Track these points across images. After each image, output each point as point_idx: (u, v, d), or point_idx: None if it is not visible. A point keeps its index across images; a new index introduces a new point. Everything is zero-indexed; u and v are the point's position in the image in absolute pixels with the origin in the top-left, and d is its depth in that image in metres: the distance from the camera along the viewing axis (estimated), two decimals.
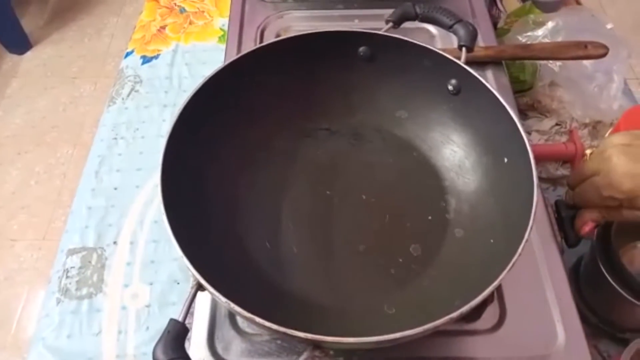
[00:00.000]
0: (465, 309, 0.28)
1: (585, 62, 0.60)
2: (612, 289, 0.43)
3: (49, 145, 1.48)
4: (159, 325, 0.50)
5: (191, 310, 0.41)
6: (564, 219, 0.47)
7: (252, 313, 0.28)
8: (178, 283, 0.54)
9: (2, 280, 1.24)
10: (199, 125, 0.39)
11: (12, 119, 1.55)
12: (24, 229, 1.32)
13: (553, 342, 0.39)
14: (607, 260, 0.44)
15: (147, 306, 0.52)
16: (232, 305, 0.28)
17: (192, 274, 0.30)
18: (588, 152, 0.58)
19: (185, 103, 0.38)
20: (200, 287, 0.30)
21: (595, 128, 0.63)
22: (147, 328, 0.51)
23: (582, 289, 0.49)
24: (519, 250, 0.30)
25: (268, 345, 0.38)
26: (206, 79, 0.39)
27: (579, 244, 0.47)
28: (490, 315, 0.41)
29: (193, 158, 0.39)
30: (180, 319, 0.29)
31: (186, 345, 0.29)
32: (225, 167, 0.42)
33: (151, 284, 0.54)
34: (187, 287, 0.47)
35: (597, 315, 0.48)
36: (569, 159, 0.60)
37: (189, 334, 0.38)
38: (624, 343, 0.42)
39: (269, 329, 0.27)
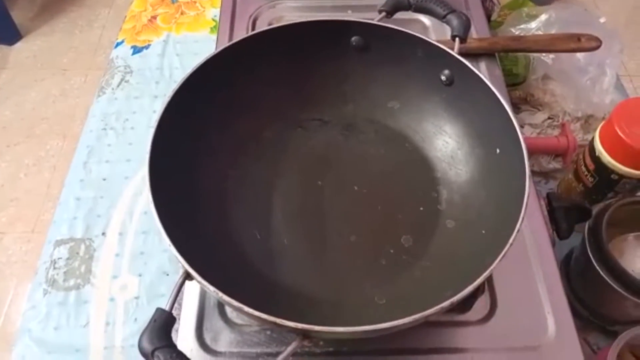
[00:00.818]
0: (456, 298, 0.28)
1: (578, 55, 0.60)
2: (603, 281, 0.43)
3: (38, 138, 1.46)
4: (148, 316, 0.49)
5: (179, 301, 0.41)
6: (556, 211, 0.47)
7: (241, 303, 0.28)
8: (167, 275, 0.53)
9: None
10: (187, 115, 0.38)
11: (2, 111, 1.53)
12: (13, 221, 1.31)
13: (543, 333, 0.39)
14: (597, 253, 0.44)
15: (136, 298, 0.52)
16: (221, 294, 0.27)
17: (180, 263, 0.29)
18: None
19: (173, 92, 0.37)
20: (188, 277, 0.30)
21: (587, 122, 0.63)
22: (136, 320, 0.50)
23: (572, 282, 0.50)
24: (511, 240, 0.30)
25: (257, 336, 0.38)
26: (195, 68, 0.39)
27: (570, 237, 0.48)
28: (481, 307, 0.41)
29: (182, 148, 0.38)
30: (167, 308, 0.29)
31: (174, 336, 0.29)
32: (215, 157, 0.42)
33: (140, 275, 0.53)
34: (176, 279, 0.47)
35: (587, 307, 0.48)
36: (561, 153, 0.60)
37: (177, 325, 0.38)
38: (614, 335, 0.42)
39: (258, 318, 0.27)
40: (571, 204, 0.48)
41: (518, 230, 0.31)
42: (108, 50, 0.75)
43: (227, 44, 0.40)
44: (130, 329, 0.50)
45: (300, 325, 0.27)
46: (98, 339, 0.50)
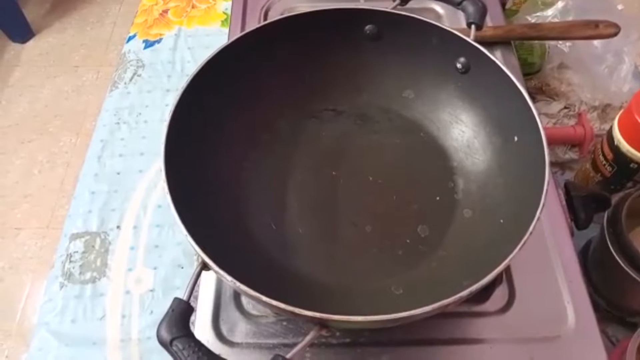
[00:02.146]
0: (475, 287, 0.28)
1: (596, 42, 0.59)
2: (622, 271, 0.42)
3: (51, 134, 1.48)
4: (163, 309, 0.48)
5: (196, 292, 0.41)
6: (574, 200, 0.46)
7: (259, 292, 0.27)
8: (182, 267, 0.53)
9: (7, 268, 1.24)
10: (201, 107, 0.38)
11: (15, 108, 1.55)
12: (27, 217, 1.32)
13: (563, 323, 0.39)
14: (617, 243, 0.43)
15: (151, 290, 0.52)
16: (238, 284, 0.27)
17: (196, 254, 0.29)
18: None
19: (186, 84, 0.37)
20: (204, 267, 0.30)
21: (605, 111, 0.62)
22: (151, 312, 0.50)
23: (590, 273, 0.49)
24: (530, 228, 0.30)
25: (273, 327, 0.38)
26: (208, 59, 0.38)
27: (589, 227, 0.47)
28: (499, 297, 0.40)
29: (196, 139, 0.38)
30: (184, 298, 0.29)
31: (190, 327, 0.29)
32: (229, 148, 0.42)
33: (155, 268, 0.53)
34: (191, 271, 0.47)
35: (606, 299, 0.48)
36: (578, 143, 0.59)
37: (193, 317, 0.38)
38: (633, 327, 0.42)
39: (276, 307, 0.27)
40: (589, 194, 0.47)
41: (538, 219, 0.30)
42: (119, 47, 0.76)
43: (239, 35, 0.40)
44: (146, 322, 0.50)
45: (318, 315, 0.26)
46: (115, 331, 0.50)
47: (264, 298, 0.27)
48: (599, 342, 0.38)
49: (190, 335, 0.27)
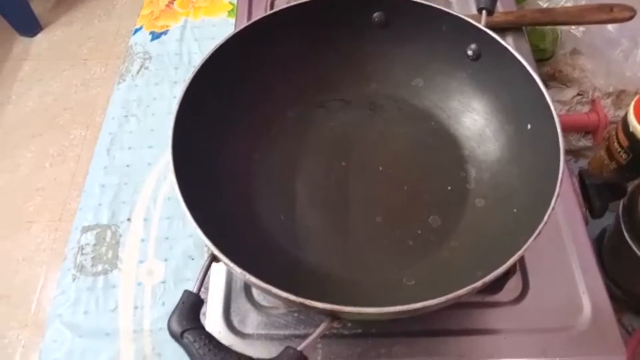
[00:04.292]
0: (488, 278, 0.27)
1: (610, 27, 0.58)
2: (638, 259, 0.41)
3: (62, 128, 1.49)
4: (175, 300, 0.48)
5: (206, 284, 0.41)
6: (589, 189, 0.45)
7: (269, 284, 0.27)
8: (193, 259, 0.53)
9: (21, 261, 1.26)
10: (207, 98, 0.38)
11: (25, 102, 1.56)
12: (40, 211, 1.34)
13: (578, 314, 0.38)
14: (633, 231, 0.42)
15: (163, 282, 0.52)
16: (248, 275, 0.27)
17: (206, 246, 0.29)
18: None
19: (193, 74, 0.37)
20: (214, 259, 0.30)
21: (619, 97, 0.61)
22: (163, 304, 0.51)
23: (605, 262, 0.48)
24: (545, 218, 0.29)
25: (284, 318, 0.38)
26: (214, 50, 0.38)
27: (604, 215, 0.46)
28: (512, 287, 0.40)
29: (203, 131, 0.38)
30: (194, 290, 0.29)
31: (201, 319, 0.29)
32: (237, 140, 0.41)
33: (166, 260, 0.54)
34: (201, 263, 0.47)
35: (621, 288, 0.47)
36: (592, 130, 0.58)
37: (204, 308, 0.38)
38: None
39: (287, 299, 0.27)
40: (605, 182, 0.47)
41: (553, 208, 0.29)
42: (127, 39, 0.75)
43: (244, 25, 0.39)
44: (158, 313, 0.50)
45: (329, 306, 0.26)
46: (127, 322, 0.50)
47: (274, 290, 0.27)
48: (616, 332, 0.37)
49: (200, 328, 0.27)
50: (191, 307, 0.28)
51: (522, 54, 0.47)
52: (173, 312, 0.28)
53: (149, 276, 0.53)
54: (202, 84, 0.37)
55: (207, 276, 0.31)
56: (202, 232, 0.29)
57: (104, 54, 1.65)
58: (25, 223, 1.31)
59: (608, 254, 0.48)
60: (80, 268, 0.54)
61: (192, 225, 0.30)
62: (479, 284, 0.27)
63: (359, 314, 0.27)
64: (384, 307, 0.26)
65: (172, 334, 0.27)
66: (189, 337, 0.26)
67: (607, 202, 0.46)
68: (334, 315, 0.27)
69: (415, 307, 0.26)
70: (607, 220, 0.46)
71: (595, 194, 0.45)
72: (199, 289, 0.29)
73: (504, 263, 0.29)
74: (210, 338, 0.26)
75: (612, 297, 0.46)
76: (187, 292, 0.29)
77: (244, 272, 0.27)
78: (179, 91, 0.63)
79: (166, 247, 0.54)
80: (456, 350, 0.37)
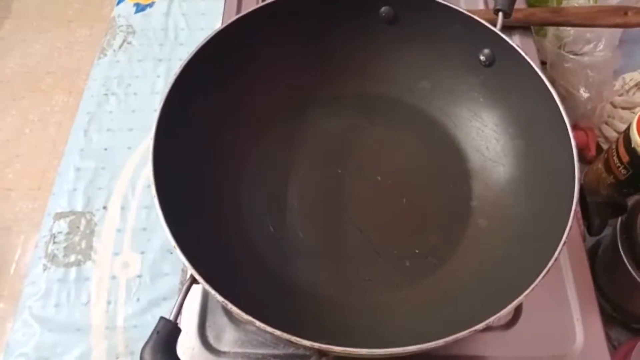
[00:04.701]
0: (491, 319, 0.25)
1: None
2: (632, 279, 0.40)
3: (43, 92, 1.43)
4: (151, 296, 0.48)
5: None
6: (589, 206, 0.43)
7: (252, 313, 0.25)
8: (171, 253, 0.51)
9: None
10: (194, 97, 0.34)
11: (6, 63, 1.49)
12: (19, 178, 1.29)
13: (571, 342, 0.37)
14: (629, 250, 0.41)
15: (139, 276, 0.50)
16: (231, 306, 0.25)
17: (186, 269, 0.26)
18: None
19: (181, 68, 0.33)
20: (194, 281, 0.27)
21: None
22: (138, 299, 0.49)
23: (597, 276, 0.47)
24: (556, 253, 0.27)
25: (263, 336, 0.36)
26: (202, 44, 0.35)
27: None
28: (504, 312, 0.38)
29: (189, 133, 0.35)
30: (171, 318, 0.26)
31: (177, 350, 0.26)
32: (225, 141, 0.38)
33: (142, 252, 0.51)
34: (180, 257, 0.45)
35: (612, 303, 0.46)
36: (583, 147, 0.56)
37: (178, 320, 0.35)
38: (636, 332, 0.42)
39: (271, 334, 0.24)
40: (606, 200, 0.45)
41: (564, 243, 0.27)
42: (114, 2, 0.70)
43: (238, 15, 0.35)
44: (132, 309, 0.48)
45: (316, 345, 0.24)
46: (99, 318, 0.48)
47: (258, 323, 0.24)
48: None
49: None
50: (167, 337, 0.25)
51: (529, 56, 0.45)
52: (147, 343, 0.25)
53: (124, 269, 0.51)
54: (188, 81, 0.33)
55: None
56: (182, 254, 0.26)
57: (89, 16, 1.57)
58: (3, 190, 1.27)
59: (601, 268, 0.47)
60: (52, 258, 0.51)
61: (172, 244, 0.27)
62: (481, 325, 0.25)
63: (350, 354, 0.24)
64: (376, 349, 0.24)
65: None
66: None
67: (606, 220, 0.44)
68: (322, 353, 0.25)
69: (411, 349, 0.24)
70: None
71: (595, 212, 0.43)
72: (177, 316, 0.26)
73: (506, 299, 0.26)
74: None
75: (601, 310, 0.46)
76: (163, 320, 0.26)
77: (227, 302, 0.25)
78: (163, 70, 0.62)
79: (143, 238, 0.52)
80: None
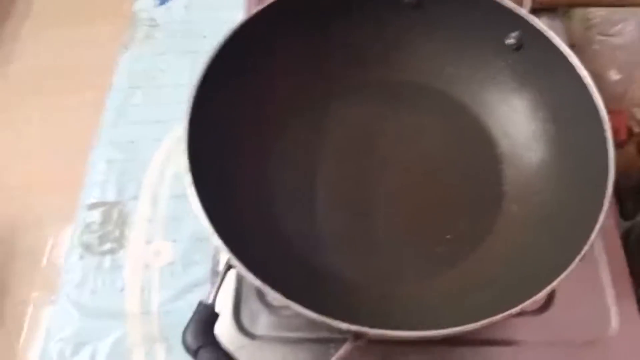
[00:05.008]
0: (527, 303, 0.25)
1: None
2: None
3: (66, 89, 1.45)
4: (183, 283, 0.50)
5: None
6: (622, 190, 0.43)
7: (290, 297, 0.25)
8: (201, 241, 0.52)
9: (30, 223, 1.26)
10: (220, 93, 0.35)
11: (28, 61, 1.52)
12: (44, 172, 1.33)
13: (605, 327, 0.37)
14: None
15: (171, 264, 0.51)
16: (269, 289, 0.25)
17: (226, 257, 0.27)
18: None
19: (206, 66, 0.34)
20: (231, 266, 0.28)
21: None
22: (171, 286, 0.50)
23: (630, 261, 0.46)
24: (591, 239, 0.27)
25: (297, 320, 0.36)
26: (226, 37, 0.35)
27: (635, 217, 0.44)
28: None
29: (218, 132, 0.35)
30: (209, 301, 0.27)
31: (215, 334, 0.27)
32: (252, 138, 0.38)
33: (174, 241, 0.52)
34: (210, 246, 0.46)
35: None
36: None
37: None
38: None
39: (308, 317, 0.25)
40: (638, 183, 0.44)
41: (600, 226, 0.27)
42: None
43: (259, 8, 0.36)
44: (166, 295, 0.49)
45: (353, 327, 0.25)
46: (134, 304, 0.50)
47: (296, 306, 0.25)
48: None
49: (216, 344, 0.26)
50: (206, 320, 0.26)
51: (558, 37, 0.44)
52: (187, 325, 0.26)
53: (156, 257, 0.52)
54: (216, 73, 0.34)
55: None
56: (223, 243, 0.27)
57: (110, 13, 1.57)
58: (29, 185, 1.30)
59: (634, 252, 0.46)
60: (87, 247, 0.53)
61: (212, 235, 0.28)
62: (515, 310, 0.25)
63: (384, 335, 0.25)
64: (411, 332, 0.25)
65: (187, 349, 0.26)
66: (204, 354, 0.25)
67: (639, 204, 0.44)
68: (358, 335, 0.25)
69: (443, 333, 0.25)
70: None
71: (628, 196, 0.43)
72: (214, 300, 0.27)
73: (540, 284, 0.27)
74: (227, 357, 0.25)
75: (636, 295, 0.45)
76: (202, 305, 0.27)
77: (266, 286, 0.26)
78: (187, 62, 0.62)
79: (174, 227, 0.53)
80: None
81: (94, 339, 0.48)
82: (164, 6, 0.68)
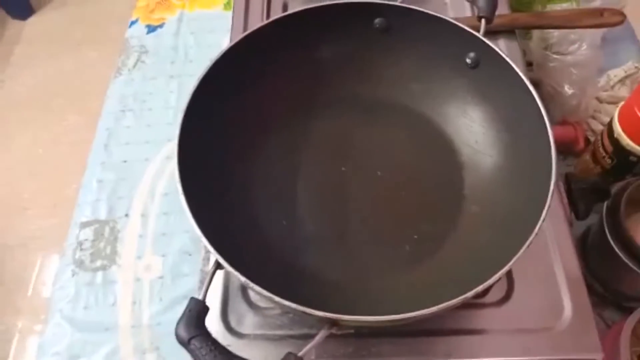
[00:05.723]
0: (480, 288, 0.29)
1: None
2: (619, 259, 0.43)
3: (55, 113, 1.47)
4: (172, 296, 0.52)
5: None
6: (574, 192, 0.47)
7: (270, 291, 0.28)
8: (190, 255, 0.55)
9: (16, 247, 1.26)
10: (209, 108, 0.38)
11: (18, 87, 1.54)
12: (34, 196, 1.33)
13: (559, 315, 0.40)
14: (614, 232, 0.44)
15: (160, 277, 0.53)
16: (252, 284, 0.28)
17: (211, 255, 0.30)
18: None
19: (195, 87, 0.37)
20: (219, 266, 0.31)
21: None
22: (161, 299, 0.52)
23: (589, 259, 0.50)
24: (536, 229, 0.30)
25: (280, 319, 0.39)
26: (214, 61, 0.38)
27: (588, 217, 0.47)
28: (498, 289, 0.41)
29: (206, 142, 0.38)
30: (200, 297, 0.30)
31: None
32: (237, 148, 0.42)
33: (163, 255, 0.55)
34: (199, 259, 0.48)
35: (603, 284, 0.49)
36: (573, 141, 0.59)
37: None
38: (629, 311, 0.43)
39: (287, 307, 0.28)
40: (590, 186, 0.48)
41: (543, 220, 0.31)
42: (121, 23, 0.75)
43: (244, 34, 0.40)
44: (156, 308, 0.52)
45: (329, 315, 0.28)
46: (126, 317, 0.51)
47: (277, 298, 0.28)
48: (595, 333, 0.39)
49: (206, 334, 0.28)
50: (197, 314, 0.29)
51: (514, 58, 0.48)
52: (180, 319, 0.29)
53: (147, 272, 0.54)
54: (204, 95, 0.37)
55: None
56: (209, 243, 0.30)
57: (97, 37, 1.62)
58: (20, 209, 1.31)
59: (592, 251, 0.50)
60: (80, 264, 0.55)
61: (197, 232, 0.30)
62: (470, 294, 0.28)
63: (357, 321, 0.28)
64: (380, 316, 0.28)
65: (180, 341, 0.29)
66: (195, 343, 0.27)
67: (591, 205, 0.47)
68: (332, 322, 0.28)
69: (409, 316, 0.28)
70: (593, 218, 0.48)
71: (580, 197, 0.47)
72: (205, 296, 0.30)
73: (494, 273, 0.30)
74: (216, 344, 0.28)
75: (595, 293, 0.49)
76: (194, 300, 0.30)
77: (248, 281, 0.29)
78: (175, 86, 0.66)
79: (164, 242, 0.55)
80: (443, 350, 0.39)
81: (87, 353, 0.50)
82: (153, 33, 0.72)
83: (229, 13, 0.64)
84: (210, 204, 0.34)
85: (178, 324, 0.29)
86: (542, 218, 0.31)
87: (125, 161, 0.61)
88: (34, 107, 1.49)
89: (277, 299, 0.28)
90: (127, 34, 0.72)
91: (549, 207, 0.32)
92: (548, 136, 0.35)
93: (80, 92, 1.50)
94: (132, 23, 0.73)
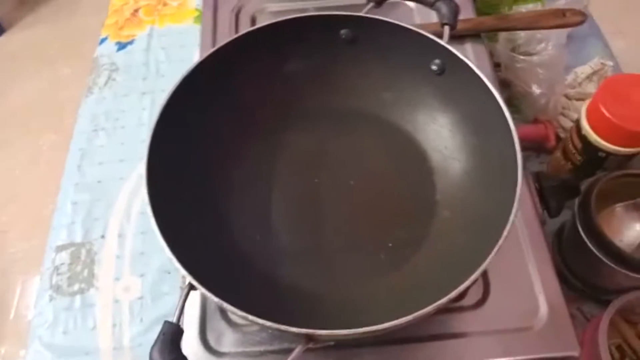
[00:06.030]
0: (453, 294, 0.29)
1: None
2: (592, 254, 0.44)
3: (30, 133, 1.45)
4: (153, 316, 0.51)
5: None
6: (545, 190, 0.47)
7: (245, 310, 0.28)
8: (169, 273, 0.54)
9: None
10: (179, 123, 0.38)
11: None
12: (13, 219, 1.31)
13: (535, 314, 0.40)
14: (586, 227, 0.45)
15: (140, 298, 0.53)
16: (225, 304, 0.28)
17: (183, 276, 0.30)
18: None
19: (164, 103, 0.37)
20: (192, 287, 0.30)
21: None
22: (141, 320, 0.51)
23: (564, 255, 0.51)
24: (505, 232, 0.31)
25: (259, 335, 0.39)
26: (183, 77, 0.38)
27: (560, 214, 0.48)
28: (474, 292, 0.42)
29: (176, 155, 0.38)
30: (174, 320, 0.30)
31: (181, 347, 0.29)
32: (209, 162, 0.42)
33: (142, 275, 0.54)
34: (178, 277, 0.48)
35: (580, 279, 0.49)
36: (544, 139, 0.60)
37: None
38: (607, 304, 0.44)
39: (262, 324, 0.28)
40: (560, 183, 0.49)
41: (512, 222, 0.31)
42: (94, 39, 0.74)
43: (212, 50, 0.39)
44: (137, 329, 0.51)
45: (303, 330, 0.28)
46: (107, 340, 0.51)
47: (251, 317, 0.28)
48: (571, 330, 0.40)
49: (182, 357, 0.28)
50: (172, 337, 0.28)
51: (481, 62, 0.49)
52: (154, 344, 0.29)
53: (126, 293, 0.53)
54: (173, 111, 0.37)
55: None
56: (179, 263, 0.29)
57: (71, 54, 1.60)
58: None
59: (567, 247, 0.50)
60: (57, 288, 0.54)
61: (168, 254, 0.30)
62: (443, 300, 0.29)
63: (333, 336, 0.28)
64: (355, 329, 0.28)
65: None
66: None
67: (562, 202, 0.48)
68: (309, 337, 0.28)
69: (385, 327, 0.28)
70: (567, 214, 0.49)
71: (551, 195, 0.47)
72: (179, 319, 0.30)
73: (467, 277, 0.30)
74: None
75: (573, 287, 0.49)
76: (167, 323, 0.29)
77: (222, 301, 0.28)
78: (148, 102, 0.65)
79: (142, 262, 0.55)
80: (425, 356, 0.39)
81: None
82: (123, 50, 0.71)
83: (200, 27, 0.64)
84: (181, 223, 0.34)
85: (152, 348, 0.28)
86: (510, 220, 0.31)
87: (99, 181, 0.60)
88: (9, 127, 1.46)
89: (251, 317, 0.28)
90: (97, 52, 0.71)
91: (517, 208, 0.32)
92: (513, 138, 0.35)
93: (55, 110, 1.47)
94: (102, 41, 0.72)
